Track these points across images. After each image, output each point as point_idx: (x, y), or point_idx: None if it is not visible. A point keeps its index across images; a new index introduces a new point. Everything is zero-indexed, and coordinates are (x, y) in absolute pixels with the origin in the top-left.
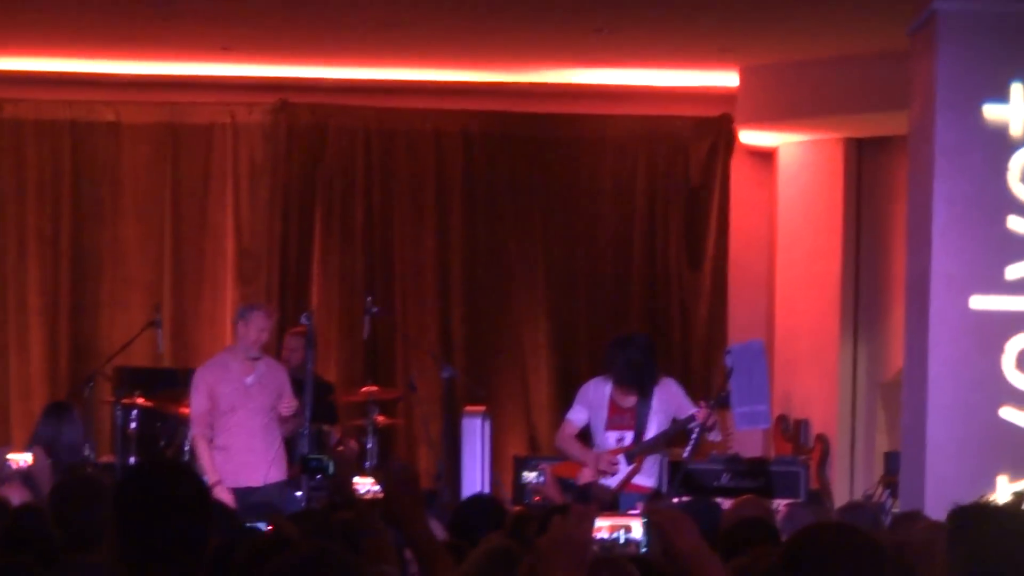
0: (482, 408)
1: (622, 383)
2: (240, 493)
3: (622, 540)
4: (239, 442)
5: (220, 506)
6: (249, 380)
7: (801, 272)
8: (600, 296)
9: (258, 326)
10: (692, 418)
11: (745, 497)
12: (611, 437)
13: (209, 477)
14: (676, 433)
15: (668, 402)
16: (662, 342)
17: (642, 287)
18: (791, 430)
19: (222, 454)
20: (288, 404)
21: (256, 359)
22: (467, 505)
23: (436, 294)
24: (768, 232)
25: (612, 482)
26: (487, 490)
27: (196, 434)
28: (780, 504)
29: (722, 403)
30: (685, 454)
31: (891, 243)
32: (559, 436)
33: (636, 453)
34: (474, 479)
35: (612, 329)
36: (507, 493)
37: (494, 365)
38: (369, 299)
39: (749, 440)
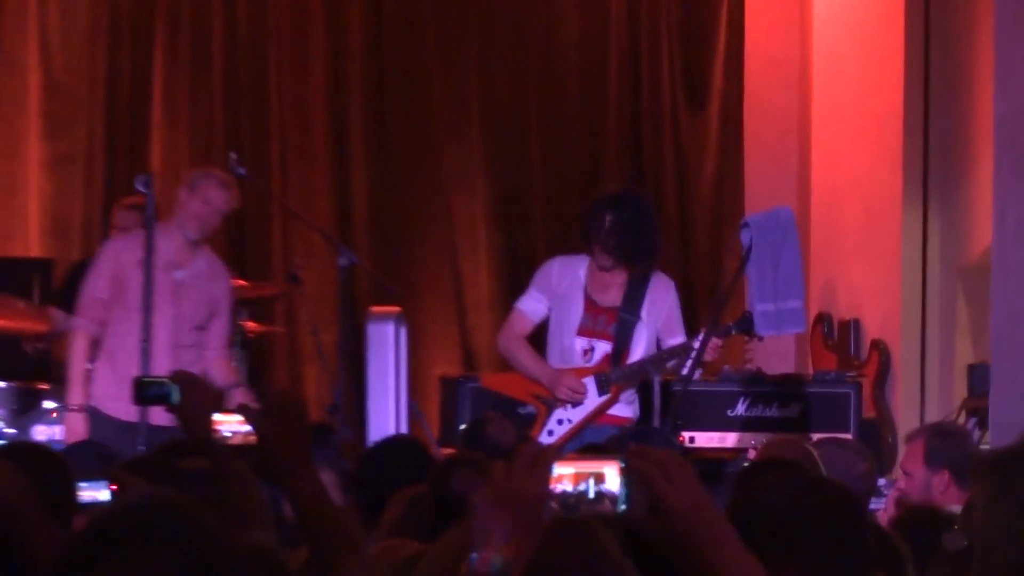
0: (396, 309)
1: (609, 251)
2: (123, 427)
3: (591, 494)
4: (137, 356)
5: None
6: (179, 275)
7: (848, 112)
8: (562, 149)
9: (205, 198)
10: (686, 347)
11: (778, 437)
12: (578, 344)
13: (68, 396)
14: (665, 361)
15: (659, 313)
16: None
17: (621, 135)
18: (836, 336)
19: (107, 364)
20: (219, 335)
21: (196, 246)
22: (378, 452)
23: (328, 148)
24: (800, 56)
25: (576, 415)
26: (404, 427)
27: (77, 327)
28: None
29: (737, 329)
30: (684, 371)
31: (972, 71)
32: (504, 335)
33: (613, 381)
34: (385, 411)
35: (579, 198)
36: (432, 431)
37: (412, 248)
38: (233, 156)
39: (776, 350)
